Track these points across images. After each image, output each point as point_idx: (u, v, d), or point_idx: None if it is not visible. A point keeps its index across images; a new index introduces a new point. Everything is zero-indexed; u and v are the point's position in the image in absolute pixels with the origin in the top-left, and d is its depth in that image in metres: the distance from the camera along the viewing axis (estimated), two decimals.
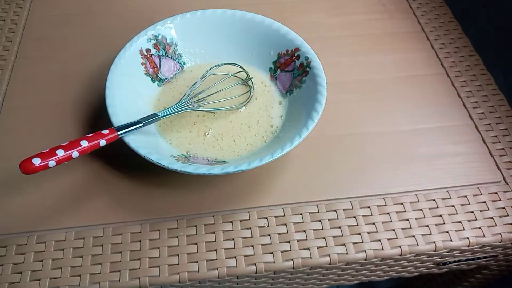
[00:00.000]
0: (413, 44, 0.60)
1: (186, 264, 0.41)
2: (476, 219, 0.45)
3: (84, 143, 0.38)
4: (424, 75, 0.57)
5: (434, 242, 0.43)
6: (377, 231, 0.43)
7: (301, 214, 0.44)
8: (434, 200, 0.46)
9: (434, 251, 0.43)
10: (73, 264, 0.40)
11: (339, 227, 0.43)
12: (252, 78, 0.51)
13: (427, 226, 0.44)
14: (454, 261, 0.48)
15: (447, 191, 0.46)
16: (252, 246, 0.42)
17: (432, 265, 0.49)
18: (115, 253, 0.41)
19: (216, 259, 0.41)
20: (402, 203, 0.45)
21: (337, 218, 0.44)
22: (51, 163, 0.36)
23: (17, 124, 0.50)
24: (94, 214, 0.43)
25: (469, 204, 0.46)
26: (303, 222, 0.44)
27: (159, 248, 0.41)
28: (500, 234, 0.44)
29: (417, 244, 0.43)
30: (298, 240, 0.42)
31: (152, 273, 0.40)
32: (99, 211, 0.43)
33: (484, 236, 0.44)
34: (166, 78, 0.51)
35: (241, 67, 0.51)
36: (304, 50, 0.49)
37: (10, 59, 0.55)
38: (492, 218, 0.45)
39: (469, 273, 0.57)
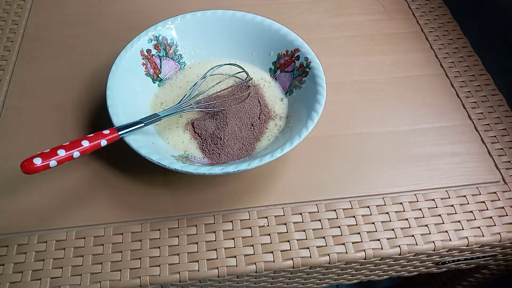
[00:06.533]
0: (412, 44, 0.60)
1: (187, 263, 0.41)
2: (475, 219, 0.45)
3: (85, 143, 0.38)
4: (423, 76, 0.57)
5: (433, 242, 0.43)
6: (376, 231, 0.43)
7: (300, 214, 0.44)
8: (433, 200, 0.46)
9: (433, 250, 0.43)
10: (74, 263, 0.40)
11: (339, 227, 0.44)
12: (252, 78, 0.51)
13: (426, 225, 0.44)
14: (453, 261, 0.48)
15: (446, 191, 0.47)
16: (252, 245, 0.42)
17: (431, 264, 0.49)
18: (116, 253, 0.41)
19: (216, 258, 0.41)
20: (401, 203, 0.46)
21: (337, 218, 0.44)
22: (52, 163, 0.36)
23: (18, 124, 0.50)
24: (94, 213, 0.43)
25: (468, 204, 0.46)
26: (302, 222, 0.44)
27: (159, 247, 0.42)
28: (499, 233, 0.44)
29: (416, 244, 0.43)
30: (298, 240, 0.43)
31: (153, 272, 0.40)
32: (99, 211, 0.43)
33: (483, 235, 0.44)
34: (166, 79, 0.51)
35: (241, 67, 0.51)
36: (303, 51, 0.49)
37: (11, 60, 0.55)
38: (491, 217, 0.45)
39: (468, 273, 0.58)
